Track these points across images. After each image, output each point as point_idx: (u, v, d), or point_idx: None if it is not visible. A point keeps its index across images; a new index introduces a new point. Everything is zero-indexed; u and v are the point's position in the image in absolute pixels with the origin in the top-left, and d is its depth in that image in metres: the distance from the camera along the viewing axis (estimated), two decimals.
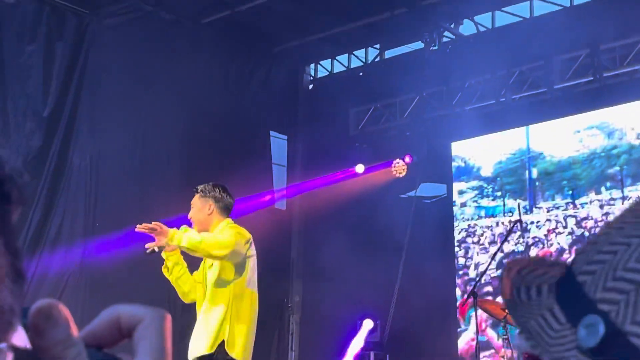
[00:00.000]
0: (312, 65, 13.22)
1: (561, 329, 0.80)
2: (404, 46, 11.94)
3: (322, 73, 13.26)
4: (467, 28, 11.39)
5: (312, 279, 11.98)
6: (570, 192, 11.01)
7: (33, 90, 9.65)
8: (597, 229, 10.28)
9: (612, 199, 10.75)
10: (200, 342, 6.12)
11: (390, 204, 11.37)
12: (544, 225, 11.18)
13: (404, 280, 10.92)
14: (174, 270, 6.24)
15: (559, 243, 10.91)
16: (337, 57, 12.90)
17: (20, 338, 0.56)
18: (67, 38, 10.00)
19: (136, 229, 5.96)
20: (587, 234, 10.80)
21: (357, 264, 10.88)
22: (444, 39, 11.27)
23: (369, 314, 11.01)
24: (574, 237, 10.80)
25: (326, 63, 13.10)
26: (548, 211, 11.16)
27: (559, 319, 0.82)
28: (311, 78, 13.26)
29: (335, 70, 13.07)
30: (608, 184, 10.76)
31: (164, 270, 6.26)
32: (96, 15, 10.25)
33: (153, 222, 5.91)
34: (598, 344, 0.74)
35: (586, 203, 10.76)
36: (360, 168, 11.72)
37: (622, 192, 10.58)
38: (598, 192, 10.75)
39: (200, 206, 6.32)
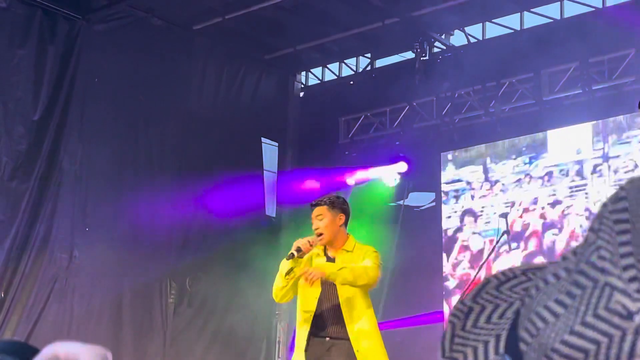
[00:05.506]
0: (303, 73, 13.24)
1: None
2: (395, 56, 11.97)
3: (313, 81, 13.27)
4: (457, 39, 11.44)
5: None
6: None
7: (23, 94, 9.65)
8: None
9: None
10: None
11: (378, 212, 11.37)
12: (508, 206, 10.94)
13: (392, 289, 10.91)
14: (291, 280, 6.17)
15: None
16: (328, 66, 12.92)
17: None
18: (58, 42, 10.00)
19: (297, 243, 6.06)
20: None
21: None
22: (435, 50, 11.30)
23: None
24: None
25: (317, 71, 13.11)
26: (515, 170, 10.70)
27: (488, 355, 0.71)
28: (302, 86, 13.27)
29: (326, 79, 13.08)
30: None
31: (284, 276, 6.08)
32: (88, 21, 10.26)
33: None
34: None
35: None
36: (351, 181, 11.76)
37: None
38: None
39: (332, 217, 6.32)
